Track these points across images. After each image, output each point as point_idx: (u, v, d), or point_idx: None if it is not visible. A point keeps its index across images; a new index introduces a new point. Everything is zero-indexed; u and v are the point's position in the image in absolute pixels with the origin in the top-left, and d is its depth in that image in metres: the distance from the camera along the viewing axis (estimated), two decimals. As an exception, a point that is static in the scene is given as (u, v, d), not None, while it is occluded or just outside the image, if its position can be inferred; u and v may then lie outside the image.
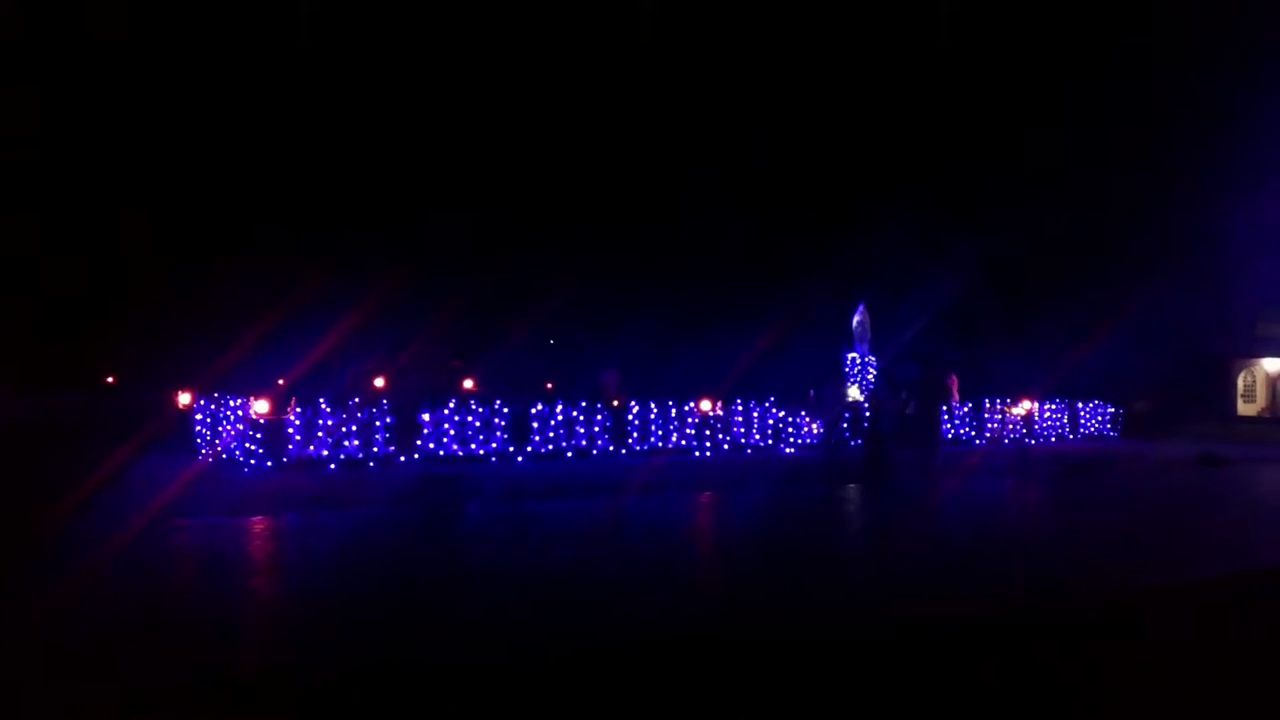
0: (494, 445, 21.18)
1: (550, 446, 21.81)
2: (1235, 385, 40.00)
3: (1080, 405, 30.48)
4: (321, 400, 19.65)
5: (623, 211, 44.34)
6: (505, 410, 21.49)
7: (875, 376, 29.47)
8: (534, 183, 45.02)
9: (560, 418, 22.05)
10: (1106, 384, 31.93)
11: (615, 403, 23.19)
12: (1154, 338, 35.85)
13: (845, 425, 26.49)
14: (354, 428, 19.62)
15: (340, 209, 39.22)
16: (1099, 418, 30.96)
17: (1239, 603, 8.02)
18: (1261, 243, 38.10)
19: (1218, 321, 40.00)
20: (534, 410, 21.88)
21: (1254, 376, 39.98)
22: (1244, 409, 39.29)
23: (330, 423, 19.44)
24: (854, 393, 29.73)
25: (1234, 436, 30.69)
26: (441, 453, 20.50)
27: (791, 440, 25.28)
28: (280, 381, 24.51)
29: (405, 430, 20.38)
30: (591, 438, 22.37)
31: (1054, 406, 29.79)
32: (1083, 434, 30.28)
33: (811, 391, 29.09)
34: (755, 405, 24.93)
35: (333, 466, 19.10)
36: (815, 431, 25.96)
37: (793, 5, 59.71)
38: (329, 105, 39.58)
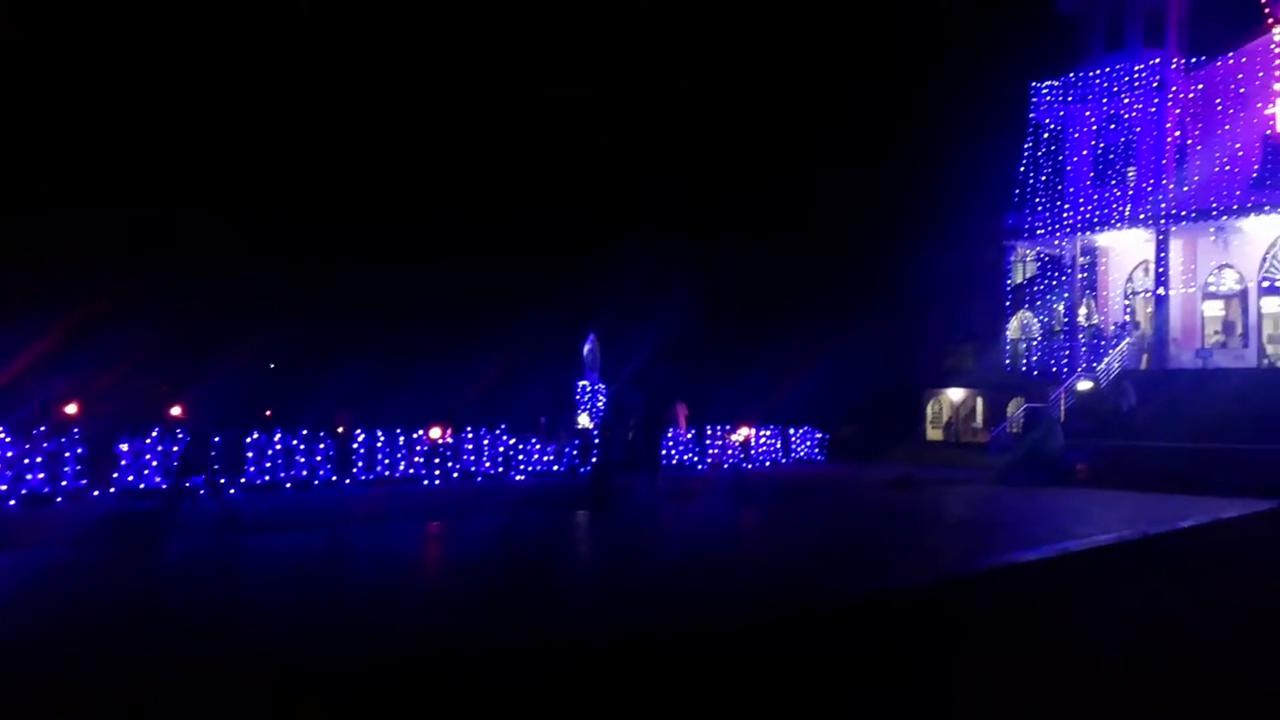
0: (203, 477, 19.84)
1: (267, 477, 20.69)
2: (925, 413, 44.10)
3: (792, 431, 32.52)
4: (0, 428, 17.69)
5: (351, 234, 43.13)
6: (217, 439, 20.18)
7: (605, 404, 30.18)
8: (258, 200, 42.96)
9: (279, 446, 20.98)
10: (815, 411, 34.33)
11: (340, 429, 22.39)
12: (856, 369, 38.97)
13: (576, 451, 26.92)
14: (39, 459, 17.78)
15: (30, 215, 35.66)
16: (808, 443, 33.16)
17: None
18: (949, 284, 42.37)
19: (911, 354, 44.05)
20: (249, 439, 20.71)
21: (941, 405, 44.24)
22: (933, 434, 43.35)
23: (10, 453, 17.52)
24: (584, 420, 30.29)
25: (925, 459, 33.75)
26: (142, 486, 18.96)
27: (523, 467, 25.33)
28: (-50, 408, 21.85)
29: (100, 461, 18.69)
30: (313, 467, 21.44)
31: (769, 433, 31.61)
32: (794, 458, 32.31)
33: (543, 419, 29.38)
34: (486, 433, 24.81)
35: (13, 503, 17.21)
36: (546, 460, 26.18)
37: (525, 48, 60.64)
38: (23, 109, 36.09)
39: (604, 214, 47.52)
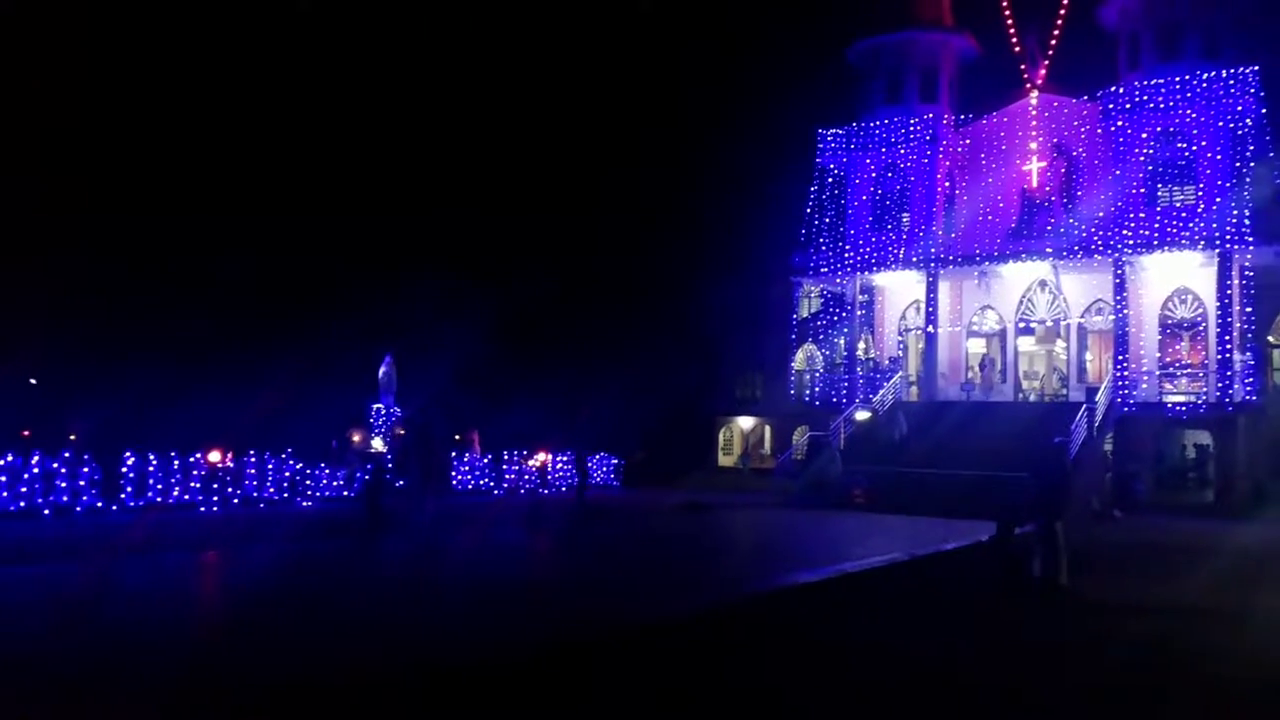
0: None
1: (23, 503, 19.11)
2: (718, 440, 45.50)
3: (589, 457, 32.81)
4: None
5: (127, 238, 40.50)
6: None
7: (400, 428, 29.55)
8: (22, 197, 39.72)
9: (36, 470, 19.41)
10: (611, 438, 34.81)
11: (72, 437, 20.84)
12: (652, 397, 39.84)
13: (368, 477, 26.13)
14: None
15: None
16: (605, 468, 33.55)
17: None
18: (741, 317, 43.99)
19: (704, 384, 45.40)
20: (3, 461, 19.06)
21: (732, 432, 45.76)
22: (724, 461, 44.76)
23: None
24: (378, 444, 29.55)
25: (716, 485, 34.80)
26: None
27: (310, 493, 24.41)
28: None
29: None
30: (76, 492, 19.95)
31: (565, 458, 31.78)
32: (591, 483, 32.57)
33: (334, 442, 28.45)
34: (271, 457, 23.76)
35: None
36: (336, 485, 25.30)
37: (336, 70, 59.18)
38: None
39: (400, 240, 46.80)
